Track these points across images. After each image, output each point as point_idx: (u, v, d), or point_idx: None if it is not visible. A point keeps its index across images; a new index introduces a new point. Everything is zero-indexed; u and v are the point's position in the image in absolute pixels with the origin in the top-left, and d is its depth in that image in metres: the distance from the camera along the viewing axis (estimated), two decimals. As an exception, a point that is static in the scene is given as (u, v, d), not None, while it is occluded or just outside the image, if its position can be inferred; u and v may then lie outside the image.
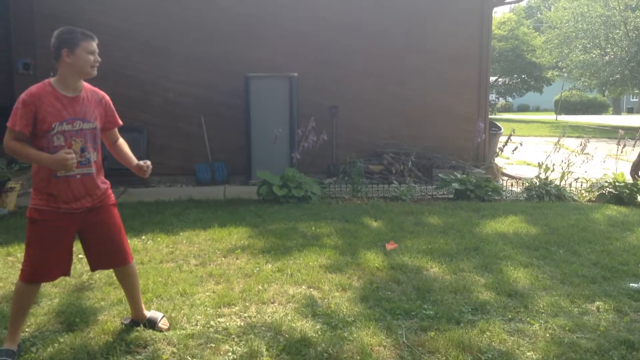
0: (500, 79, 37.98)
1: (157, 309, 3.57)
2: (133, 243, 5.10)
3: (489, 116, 11.30)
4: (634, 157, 8.57)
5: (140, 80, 9.20)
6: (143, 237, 5.39)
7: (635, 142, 8.44)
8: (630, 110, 51.86)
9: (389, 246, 5.23)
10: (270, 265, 4.57)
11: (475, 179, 7.97)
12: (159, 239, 5.35)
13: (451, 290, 4.06)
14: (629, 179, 7.89)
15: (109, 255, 3.20)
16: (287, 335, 3.26)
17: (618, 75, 25.02)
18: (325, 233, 5.68)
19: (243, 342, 3.18)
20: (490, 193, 7.77)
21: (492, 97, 42.34)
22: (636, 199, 7.55)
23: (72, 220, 3.03)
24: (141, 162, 3.23)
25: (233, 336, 3.27)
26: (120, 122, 3.25)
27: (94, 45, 3.01)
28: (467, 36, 10.12)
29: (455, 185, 7.89)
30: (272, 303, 3.80)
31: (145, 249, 5.02)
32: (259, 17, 9.42)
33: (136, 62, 9.19)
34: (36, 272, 3.02)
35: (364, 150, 9.76)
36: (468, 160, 9.36)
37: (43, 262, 3.00)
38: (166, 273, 4.34)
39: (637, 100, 49.36)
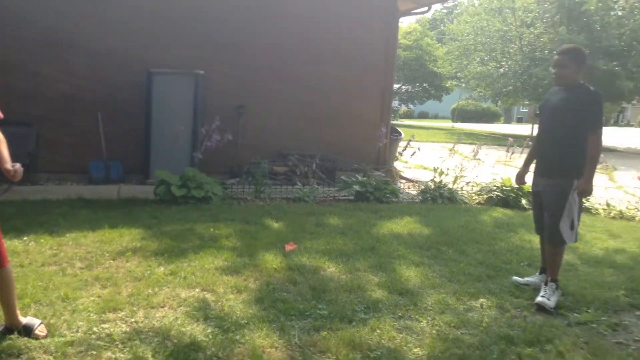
0: (403, 87, 39.37)
1: (35, 315, 3.32)
2: (13, 244, 4.74)
3: (392, 122, 11.65)
4: (521, 163, 9.15)
5: (32, 72, 8.58)
6: (25, 238, 5.02)
7: (523, 149, 9.03)
8: (520, 120, 55.50)
9: (289, 247, 5.22)
10: (162, 268, 4.40)
11: (375, 181, 8.17)
12: (42, 240, 5.00)
13: (346, 290, 4.11)
14: (515, 184, 8.40)
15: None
16: (175, 340, 3.15)
17: (511, 87, 26.67)
18: (224, 234, 5.58)
19: (127, 349, 3.04)
20: (388, 195, 7.99)
21: (395, 103, 43.78)
22: (521, 202, 8.06)
23: None
24: (8, 166, 2.97)
25: (117, 343, 3.10)
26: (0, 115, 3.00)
27: None
28: (374, 44, 10.36)
29: (356, 187, 8.05)
30: (161, 307, 3.66)
31: (27, 251, 4.68)
32: (166, 13, 9.10)
33: (31, 52, 8.57)
34: None
35: (270, 151, 9.71)
36: (370, 164, 9.58)
37: None
38: (47, 277, 4.06)
39: (526, 110, 52.85)
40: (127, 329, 3.28)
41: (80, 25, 8.74)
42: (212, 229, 5.73)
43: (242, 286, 4.09)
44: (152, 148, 8.72)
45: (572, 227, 4.10)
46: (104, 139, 8.80)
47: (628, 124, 52.55)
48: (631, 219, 7.76)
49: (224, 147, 8.05)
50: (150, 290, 3.90)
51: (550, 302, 3.97)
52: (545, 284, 4.13)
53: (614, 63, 23.04)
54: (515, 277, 4.51)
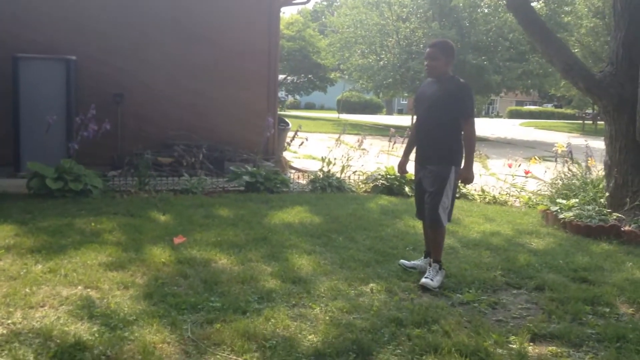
0: (289, 77, 39.59)
1: None
2: None
3: (279, 112, 11.69)
4: (402, 153, 9.58)
5: None
6: None
7: (404, 139, 9.45)
8: (400, 111, 58.07)
9: (177, 240, 5.07)
10: (40, 266, 4.10)
11: (265, 171, 8.16)
12: None
13: (239, 281, 4.07)
14: (398, 173, 8.78)
15: None
16: (58, 341, 2.94)
17: (390, 80, 27.71)
18: (107, 229, 5.30)
19: (6, 352, 2.80)
20: (278, 185, 8.02)
21: (282, 94, 44.00)
22: (404, 189, 8.44)
23: None
24: None
25: (-8, 347, 2.85)
26: None
27: None
28: (257, 32, 10.29)
29: (246, 177, 7.99)
30: (41, 307, 3.40)
31: None
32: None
33: None
34: None
35: (153, 141, 9.34)
36: (259, 154, 9.54)
37: None
38: None
39: (406, 102, 55.35)
40: (4, 331, 3.03)
41: None
42: (93, 224, 5.42)
43: (129, 282, 3.92)
44: (22, 138, 8.07)
45: (448, 210, 4.39)
46: (-34, 128, 8.01)
47: (497, 115, 56.83)
48: (504, 203, 8.41)
49: (103, 138, 7.63)
50: (27, 290, 3.61)
51: (434, 282, 4.20)
52: (430, 266, 4.36)
53: (482, 58, 24.75)
54: (402, 261, 4.72)
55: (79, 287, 3.76)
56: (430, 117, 4.41)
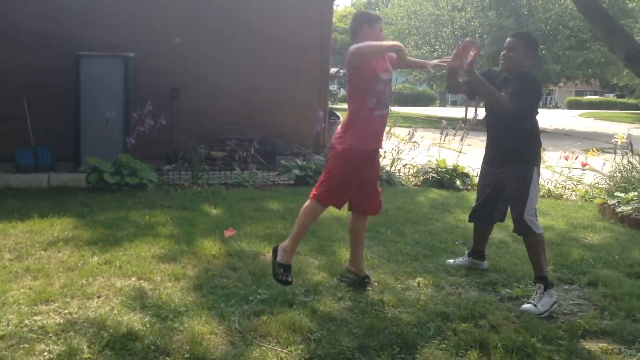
0: (341, 70, 39.46)
1: (-39, 311, 3.16)
2: None
3: (330, 105, 11.70)
4: (455, 145, 9.44)
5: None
6: (-54, 232, 4.75)
7: (456, 131, 9.30)
8: (454, 103, 56.99)
9: (228, 233, 5.17)
10: (96, 258, 4.27)
11: (315, 165, 8.19)
12: (-34, 232, 4.75)
13: (286, 274, 4.12)
14: (449, 165, 8.65)
15: None
16: (111, 330, 3.07)
17: (444, 71, 27.25)
18: (161, 222, 5.46)
19: (61, 341, 2.94)
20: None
21: (334, 87, 43.94)
22: (455, 183, 8.30)
23: None
24: None
25: (50, 334, 3.00)
26: None
27: None
28: (310, 25, 10.30)
29: (296, 171, 8.05)
30: (96, 297, 3.56)
31: (-51, 245, 4.43)
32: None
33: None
34: None
35: (207, 136, 9.53)
36: (309, 147, 9.59)
37: None
38: (-27, 270, 3.87)
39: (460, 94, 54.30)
40: (61, 321, 3.18)
41: (2, 9, 8.29)
42: (147, 217, 5.60)
43: (180, 274, 4.03)
44: (83, 134, 8.40)
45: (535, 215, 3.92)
46: (31, 125, 8.40)
47: (556, 106, 55.00)
48: (559, 197, 8.14)
49: (158, 133, 7.85)
50: (84, 281, 3.78)
51: (538, 308, 3.64)
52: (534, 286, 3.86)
53: (541, 47, 23.92)
54: (448, 260, 4.61)
55: (133, 279, 3.90)
56: (508, 115, 3.92)
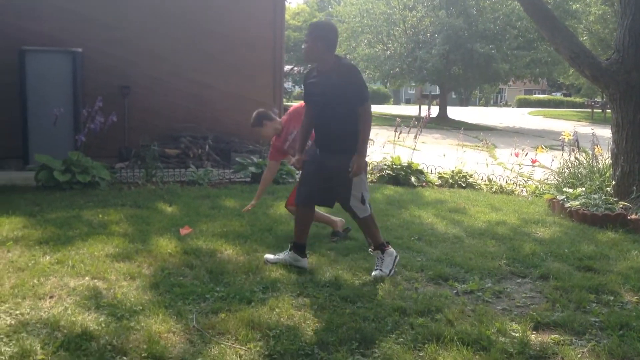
0: (295, 68, 39.45)
1: None
2: None
3: (286, 102, 11.69)
4: (409, 143, 9.58)
5: None
6: None
7: (410, 129, 9.45)
8: (408, 101, 57.89)
9: (184, 231, 5.11)
10: (48, 257, 4.15)
11: (270, 162, 8.17)
12: None
13: (244, 271, 4.11)
14: (404, 162, 8.78)
15: None
16: (65, 331, 2.99)
17: (397, 69, 27.60)
18: (114, 220, 5.35)
19: (13, 342, 2.85)
20: (284, 176, 8.04)
21: (289, 85, 43.91)
22: (410, 179, 8.44)
23: None
24: None
25: (1, 336, 2.91)
26: None
27: None
28: (261, 24, 10.28)
29: (252, 168, 8.02)
30: (49, 298, 3.46)
31: None
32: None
33: None
34: None
35: (160, 133, 9.39)
36: (264, 145, 9.55)
37: None
38: None
39: (413, 92, 55.13)
40: (12, 322, 3.08)
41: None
42: (100, 215, 5.48)
43: (136, 272, 3.96)
44: (30, 132, 8.15)
45: (362, 201, 4.19)
46: (-26, 122, 8.09)
47: (506, 104, 56.49)
48: (510, 193, 8.39)
49: (110, 130, 7.68)
50: (35, 281, 3.67)
51: (385, 272, 4.13)
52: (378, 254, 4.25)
53: (490, 46, 24.57)
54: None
55: (86, 278, 3.81)
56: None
